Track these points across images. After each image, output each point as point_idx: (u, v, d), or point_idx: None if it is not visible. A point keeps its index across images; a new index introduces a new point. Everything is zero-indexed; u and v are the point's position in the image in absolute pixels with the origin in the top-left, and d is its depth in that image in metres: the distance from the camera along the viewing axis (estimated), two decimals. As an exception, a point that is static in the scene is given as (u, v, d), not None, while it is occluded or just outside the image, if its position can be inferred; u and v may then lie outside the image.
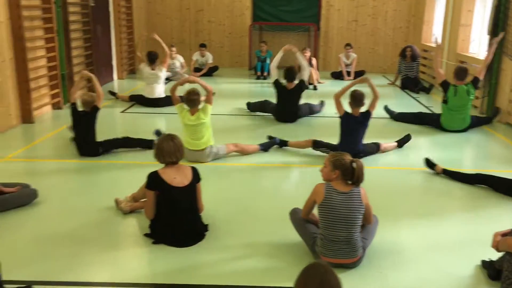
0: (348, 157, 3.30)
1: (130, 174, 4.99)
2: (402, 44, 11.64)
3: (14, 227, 3.81)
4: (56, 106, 7.76)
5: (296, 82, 7.22)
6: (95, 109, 5.41)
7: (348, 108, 5.46)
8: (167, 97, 8.13)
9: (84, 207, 4.20)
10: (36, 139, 6.31)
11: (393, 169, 5.35)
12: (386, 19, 12.52)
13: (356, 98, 5.36)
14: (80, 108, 5.44)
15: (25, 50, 6.71)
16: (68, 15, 8.15)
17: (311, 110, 7.61)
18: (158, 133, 5.83)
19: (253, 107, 7.80)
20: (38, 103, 7.21)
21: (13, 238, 3.63)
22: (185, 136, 5.24)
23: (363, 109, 5.45)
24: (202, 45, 11.37)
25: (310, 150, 5.81)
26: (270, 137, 5.98)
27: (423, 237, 3.80)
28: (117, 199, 4.15)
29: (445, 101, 6.73)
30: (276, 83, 7.23)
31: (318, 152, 5.71)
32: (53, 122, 7.09)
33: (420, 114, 7.37)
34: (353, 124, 5.42)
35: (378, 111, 7.65)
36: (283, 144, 5.91)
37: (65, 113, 6.83)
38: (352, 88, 5.48)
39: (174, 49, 10.62)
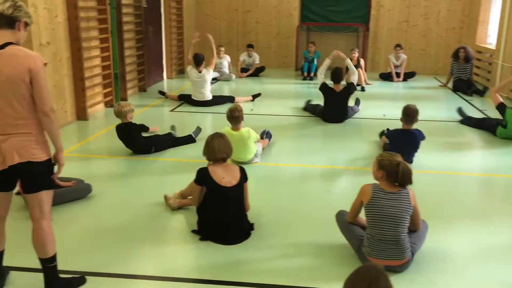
0: (396, 158, 3.23)
1: (179, 171, 5.10)
2: (455, 45, 11.27)
3: (70, 220, 3.98)
4: (108, 105, 8.02)
5: (343, 84, 7.16)
6: (143, 128, 5.69)
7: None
8: (214, 98, 8.26)
9: (134, 202, 4.34)
10: (90, 136, 6.55)
11: (447, 174, 5.19)
12: (439, 19, 12.18)
13: (409, 115, 5.13)
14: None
15: (81, 49, 6.98)
16: (121, 16, 8.41)
17: (353, 112, 7.53)
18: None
19: (308, 108, 7.80)
20: (92, 101, 7.49)
21: (68, 230, 3.79)
22: None
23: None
24: (250, 46, 11.45)
25: (358, 152, 5.76)
26: (383, 133, 5.98)
27: (475, 243, 3.68)
28: (166, 195, 4.26)
29: (504, 125, 6.38)
30: (323, 88, 7.16)
31: (367, 156, 5.65)
32: (106, 120, 7.33)
33: (483, 119, 7.09)
34: (404, 139, 5.18)
35: (439, 114, 7.50)
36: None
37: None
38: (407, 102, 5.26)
39: (222, 49, 10.75)
